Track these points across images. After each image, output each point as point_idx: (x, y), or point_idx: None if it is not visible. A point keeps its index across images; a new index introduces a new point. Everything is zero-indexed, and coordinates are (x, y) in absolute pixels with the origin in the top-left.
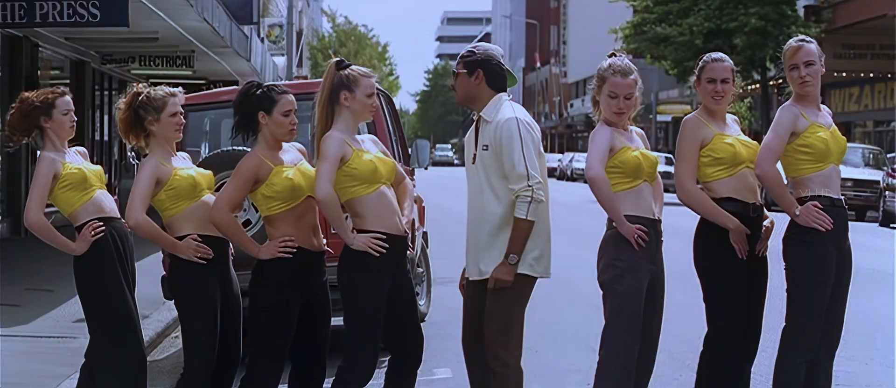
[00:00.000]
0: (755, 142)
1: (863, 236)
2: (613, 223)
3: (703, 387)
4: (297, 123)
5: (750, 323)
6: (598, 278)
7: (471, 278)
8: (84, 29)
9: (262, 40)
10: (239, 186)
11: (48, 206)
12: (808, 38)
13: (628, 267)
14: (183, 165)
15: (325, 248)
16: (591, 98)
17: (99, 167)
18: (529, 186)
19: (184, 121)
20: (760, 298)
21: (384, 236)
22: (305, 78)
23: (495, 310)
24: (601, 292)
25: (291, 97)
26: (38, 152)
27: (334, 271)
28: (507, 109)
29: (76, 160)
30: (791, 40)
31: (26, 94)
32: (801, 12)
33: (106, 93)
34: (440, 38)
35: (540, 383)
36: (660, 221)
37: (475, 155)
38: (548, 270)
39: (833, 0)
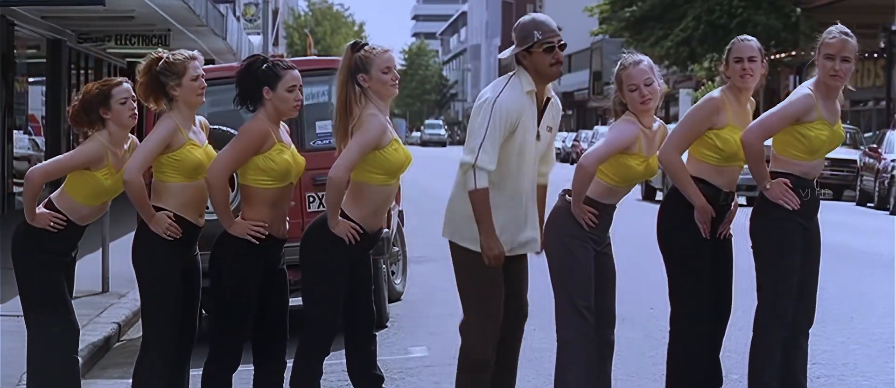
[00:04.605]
0: None
1: (839, 215)
2: (568, 195)
3: (673, 369)
4: (301, 98)
5: (719, 300)
6: (543, 243)
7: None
8: (60, 7)
9: (238, 19)
10: (244, 148)
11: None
12: (850, 33)
13: (573, 242)
14: (197, 141)
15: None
16: (613, 104)
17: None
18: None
19: (205, 85)
20: (727, 274)
21: (361, 230)
22: (281, 56)
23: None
24: (547, 262)
25: (296, 73)
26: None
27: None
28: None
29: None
30: (833, 30)
31: (87, 85)
32: None
33: (82, 72)
34: (416, 17)
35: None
36: (614, 206)
37: (538, 133)
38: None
39: None
